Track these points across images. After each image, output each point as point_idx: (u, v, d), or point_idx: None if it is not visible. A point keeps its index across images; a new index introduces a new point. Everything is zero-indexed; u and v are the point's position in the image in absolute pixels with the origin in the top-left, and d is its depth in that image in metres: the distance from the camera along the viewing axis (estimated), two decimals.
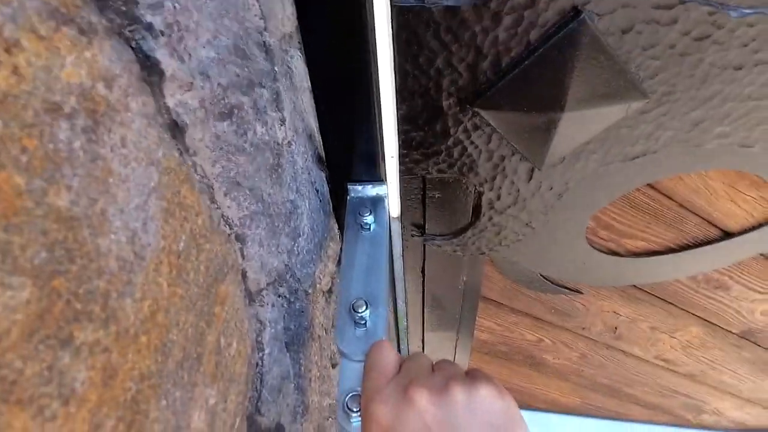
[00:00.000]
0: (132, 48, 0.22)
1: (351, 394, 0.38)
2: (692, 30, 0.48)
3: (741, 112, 0.56)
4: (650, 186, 0.68)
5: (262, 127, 0.39)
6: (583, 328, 0.97)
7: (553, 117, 0.54)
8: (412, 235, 0.73)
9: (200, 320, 0.26)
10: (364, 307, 0.47)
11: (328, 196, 0.65)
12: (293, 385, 0.43)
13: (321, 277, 0.59)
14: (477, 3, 0.46)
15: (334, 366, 0.66)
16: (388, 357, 0.35)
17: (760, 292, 0.88)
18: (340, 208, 0.66)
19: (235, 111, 0.34)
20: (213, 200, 0.31)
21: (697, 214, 0.72)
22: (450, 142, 0.59)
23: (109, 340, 0.19)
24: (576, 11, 0.46)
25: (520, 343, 1.03)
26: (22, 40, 0.16)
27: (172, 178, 0.24)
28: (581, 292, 0.86)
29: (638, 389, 1.22)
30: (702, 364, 1.08)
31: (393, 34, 0.50)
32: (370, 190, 0.65)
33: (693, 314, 0.94)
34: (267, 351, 0.37)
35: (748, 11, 0.47)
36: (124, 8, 0.22)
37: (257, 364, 0.36)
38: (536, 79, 0.50)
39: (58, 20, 0.17)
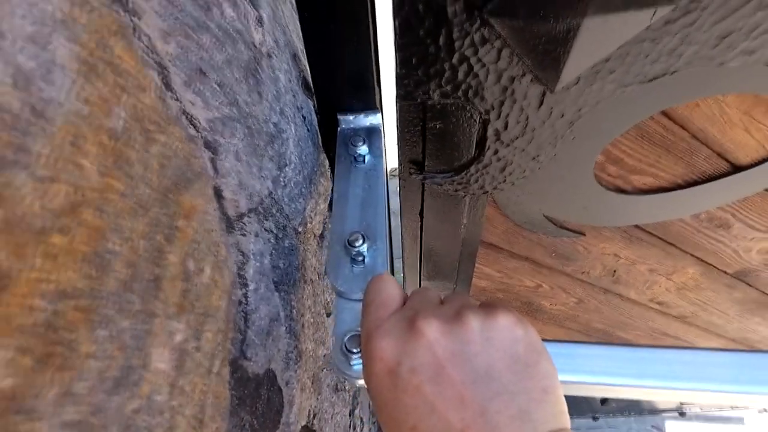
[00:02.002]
0: None
1: (350, 335, 0.32)
2: None
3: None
4: (665, 114, 0.61)
5: (233, 11, 0.30)
6: (583, 272, 0.93)
7: (573, 25, 0.46)
8: (410, 173, 0.65)
9: (156, 232, 0.19)
10: (361, 242, 0.41)
11: (317, 127, 0.57)
12: (284, 328, 0.36)
13: (312, 215, 0.51)
14: None
15: (328, 314, 0.60)
16: (391, 290, 0.29)
17: (759, 230, 0.84)
18: (329, 141, 0.58)
19: None
20: (169, 86, 0.23)
21: (708, 146, 0.66)
22: (455, 58, 0.50)
23: None
24: None
25: (519, 290, 0.99)
26: None
27: (94, 20, 0.16)
28: (583, 234, 0.81)
29: (630, 332, 1.21)
30: (694, 306, 1.06)
31: None
32: (363, 120, 0.57)
33: (691, 255, 0.90)
34: (252, 287, 0.30)
35: None
36: None
37: (240, 302, 0.29)
38: None
39: None
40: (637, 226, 0.83)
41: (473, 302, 0.29)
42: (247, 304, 0.29)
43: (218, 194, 0.27)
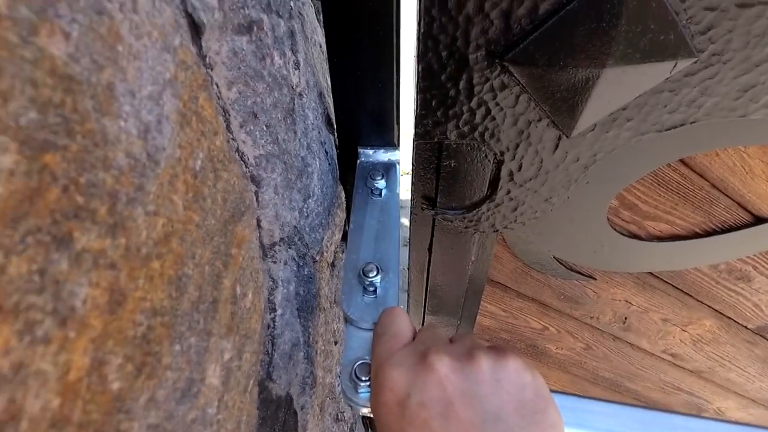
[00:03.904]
0: None
1: (360, 363, 0.34)
2: None
3: None
4: (683, 162, 0.65)
5: (280, 59, 0.35)
6: (591, 317, 0.95)
7: (592, 75, 0.51)
8: (422, 209, 0.69)
9: (217, 259, 0.22)
10: (375, 272, 0.44)
11: (337, 161, 0.62)
12: (303, 353, 0.39)
13: (328, 245, 0.55)
14: None
15: (336, 342, 0.62)
16: (403, 323, 0.32)
17: None
18: (346, 174, 0.63)
19: (255, 29, 0.30)
20: (228, 128, 0.27)
21: (728, 196, 0.70)
22: (474, 102, 0.55)
23: (116, 255, 0.15)
24: None
25: (524, 331, 1.01)
26: None
27: (189, 78, 0.20)
28: (594, 278, 0.84)
29: (640, 384, 1.22)
30: (711, 361, 1.08)
31: None
32: (382, 155, 0.61)
33: (709, 306, 0.93)
34: (279, 312, 0.33)
35: None
36: None
37: (269, 326, 0.32)
38: (577, 30, 0.47)
39: None
40: (650, 273, 0.86)
41: (483, 343, 0.32)
42: (274, 328, 0.32)
43: (259, 224, 0.31)
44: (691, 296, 0.91)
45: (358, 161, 0.59)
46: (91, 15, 0.14)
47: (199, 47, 0.23)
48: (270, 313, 0.32)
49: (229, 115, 0.27)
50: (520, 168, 0.63)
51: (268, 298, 0.33)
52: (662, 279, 0.87)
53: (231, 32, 0.27)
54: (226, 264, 0.24)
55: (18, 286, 0.11)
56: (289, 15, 0.39)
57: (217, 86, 0.26)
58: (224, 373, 0.23)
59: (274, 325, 0.33)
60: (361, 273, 0.44)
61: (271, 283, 0.33)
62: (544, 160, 0.62)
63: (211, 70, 0.25)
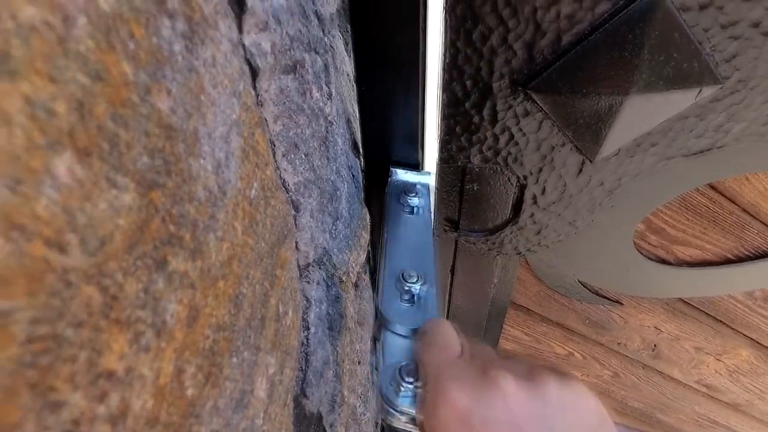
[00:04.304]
0: None
1: (405, 364, 0.34)
2: None
3: None
4: (711, 186, 0.66)
5: (318, 92, 0.38)
6: (619, 344, 0.95)
7: (615, 102, 0.53)
8: (445, 230, 0.71)
9: (265, 279, 0.25)
10: (415, 279, 0.45)
11: (362, 184, 0.65)
12: (332, 372, 0.41)
13: (353, 265, 0.57)
14: None
15: (359, 363, 0.64)
16: (452, 335, 0.32)
17: None
18: (375, 192, 0.66)
19: (298, 67, 0.33)
20: (274, 158, 0.30)
21: (761, 221, 0.71)
22: (497, 128, 0.58)
23: (195, 275, 0.18)
24: None
25: (548, 356, 1.00)
26: None
27: (249, 117, 0.23)
28: (621, 303, 0.85)
29: (672, 416, 1.19)
30: (749, 393, 1.05)
31: (446, 8, 0.49)
32: (413, 177, 0.64)
33: (745, 335, 0.92)
34: (312, 331, 0.36)
35: None
36: None
37: (303, 343, 0.34)
38: (600, 59, 0.50)
39: None
40: (681, 300, 0.86)
41: (538, 364, 0.31)
42: (308, 345, 0.35)
43: (297, 247, 0.34)
44: (725, 324, 0.90)
45: (391, 178, 0.62)
46: (185, 73, 0.17)
47: (255, 88, 0.26)
48: (304, 331, 0.35)
49: (275, 146, 0.30)
50: (543, 191, 0.65)
51: (303, 317, 0.35)
52: (693, 306, 0.87)
53: (279, 72, 0.30)
54: (272, 284, 0.26)
55: (131, 302, 0.14)
56: (324, 50, 0.43)
57: (266, 120, 0.29)
58: (269, 386, 0.25)
59: (308, 342, 0.35)
60: (401, 277, 0.45)
61: (305, 302, 0.36)
62: (568, 184, 0.64)
63: (262, 107, 0.28)
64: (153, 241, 0.15)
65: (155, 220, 0.15)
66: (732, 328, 0.90)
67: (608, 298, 0.85)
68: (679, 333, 0.92)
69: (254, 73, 0.26)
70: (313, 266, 0.39)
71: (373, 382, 0.95)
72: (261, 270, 0.24)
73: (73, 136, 0.12)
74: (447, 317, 0.92)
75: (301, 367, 0.33)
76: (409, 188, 0.58)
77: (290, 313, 0.30)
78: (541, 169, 0.62)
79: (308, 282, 0.37)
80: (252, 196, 0.24)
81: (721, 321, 0.89)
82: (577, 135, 0.58)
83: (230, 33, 0.22)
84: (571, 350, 1.00)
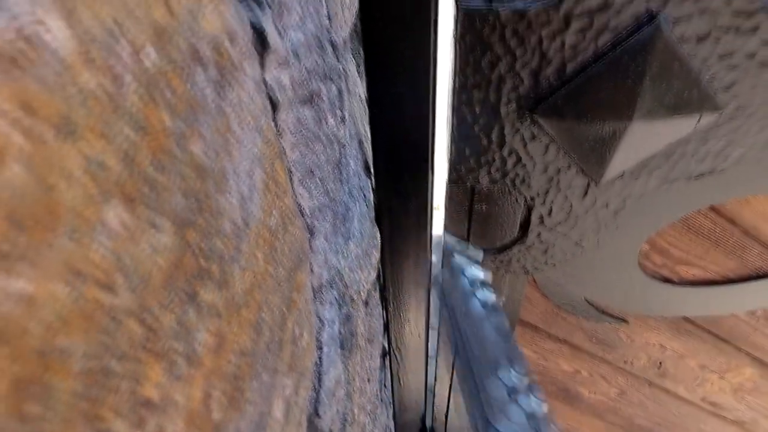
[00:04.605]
0: (253, 24, 0.23)
1: None
2: None
3: None
4: (713, 209, 0.67)
5: (333, 120, 0.39)
6: (625, 362, 0.94)
7: (618, 128, 0.54)
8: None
9: (283, 304, 0.26)
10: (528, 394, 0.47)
11: (374, 203, 0.65)
12: (344, 390, 0.42)
13: (364, 284, 0.58)
14: (546, 6, 0.47)
15: (368, 380, 0.64)
16: None
17: None
18: (382, 214, 0.66)
19: (314, 97, 0.34)
20: (293, 196, 0.31)
21: (761, 243, 0.71)
22: (505, 150, 0.58)
23: (221, 305, 0.18)
24: (650, 16, 0.47)
25: (555, 374, 1.00)
26: None
27: (270, 150, 0.24)
28: (626, 321, 0.84)
29: None
30: (753, 411, 1.04)
31: (456, 37, 0.51)
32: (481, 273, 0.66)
33: (748, 353, 0.91)
34: (325, 351, 0.36)
35: None
36: None
37: (316, 363, 0.35)
38: (603, 87, 0.51)
39: None
40: (685, 319, 0.85)
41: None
42: (321, 365, 0.35)
43: (311, 269, 0.34)
44: (728, 343, 0.89)
45: (453, 259, 0.63)
46: (215, 116, 0.18)
47: (275, 120, 0.27)
48: (317, 351, 0.35)
49: (292, 173, 0.31)
50: (550, 212, 0.65)
51: (316, 337, 0.36)
52: (698, 324, 0.86)
53: (297, 104, 0.31)
54: (289, 307, 0.27)
55: (166, 333, 0.15)
56: (338, 76, 0.44)
57: (284, 149, 0.30)
58: (285, 407, 0.26)
59: (321, 362, 0.36)
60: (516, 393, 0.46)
61: (318, 323, 0.36)
62: (574, 205, 0.65)
63: (281, 137, 0.29)
64: (185, 275, 0.16)
65: (188, 255, 0.16)
66: (736, 347, 0.89)
67: (614, 316, 0.84)
68: (684, 351, 0.91)
69: (274, 107, 0.27)
70: (326, 287, 0.40)
71: (381, 399, 0.95)
72: (279, 295, 0.25)
73: (120, 185, 0.13)
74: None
75: (314, 387, 0.34)
76: (481, 283, 0.60)
77: (305, 335, 0.30)
78: (547, 191, 0.63)
79: (321, 303, 0.38)
80: (272, 225, 0.25)
81: (725, 340, 0.88)
82: (582, 158, 0.59)
83: (254, 73, 0.23)
84: (577, 368, 0.99)
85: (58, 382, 0.11)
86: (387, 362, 1.00)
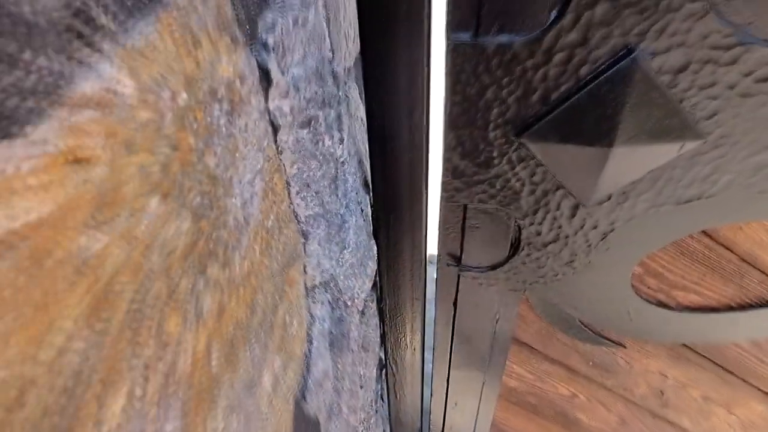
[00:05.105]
0: (256, 59, 0.30)
1: None
2: (754, 71, 0.53)
3: None
4: (706, 234, 0.72)
5: (329, 140, 0.47)
6: (625, 389, 0.98)
7: (602, 152, 0.60)
8: (447, 265, 0.78)
9: (275, 293, 0.33)
10: None
11: (371, 218, 0.73)
12: (331, 384, 0.48)
13: (359, 293, 0.65)
14: (523, 41, 0.54)
15: (361, 387, 0.70)
16: None
17: None
18: (379, 228, 0.73)
19: (312, 122, 0.42)
20: (289, 196, 0.38)
21: (761, 270, 0.75)
22: (493, 173, 0.65)
23: (223, 282, 0.25)
24: (628, 50, 0.53)
25: (552, 397, 1.03)
26: (202, 40, 0.24)
27: (270, 165, 0.32)
28: (624, 346, 0.88)
29: None
30: None
31: (447, 68, 0.58)
32: None
33: (755, 387, 0.93)
34: (315, 344, 0.43)
35: None
36: (250, 29, 0.30)
37: (306, 354, 0.41)
38: (585, 114, 0.57)
39: (221, 30, 0.25)
40: (685, 346, 0.89)
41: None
42: (310, 357, 0.42)
43: (304, 269, 0.41)
44: (732, 374, 0.92)
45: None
46: (226, 139, 0.25)
47: (277, 141, 0.35)
48: (308, 344, 0.42)
49: (290, 185, 0.38)
50: (539, 233, 0.71)
51: (307, 331, 0.42)
52: (699, 352, 0.90)
53: (296, 127, 0.38)
54: (281, 297, 0.34)
55: (182, 294, 0.22)
56: (338, 102, 0.52)
57: (284, 165, 0.37)
58: (273, 381, 0.32)
59: (310, 354, 0.42)
60: None
61: (309, 318, 0.43)
62: (563, 226, 0.70)
63: (281, 154, 0.36)
64: (198, 254, 0.23)
65: (201, 239, 0.23)
66: (740, 379, 0.92)
67: (611, 340, 0.89)
68: (686, 380, 0.95)
69: (276, 130, 0.34)
70: (319, 288, 0.46)
71: (377, 411, 1.00)
72: (272, 285, 0.32)
73: (159, 185, 0.20)
74: (450, 350, 0.97)
75: (303, 375, 0.40)
76: None
77: (295, 324, 0.37)
78: (536, 212, 0.69)
79: (314, 302, 0.44)
80: (269, 226, 0.32)
81: (728, 370, 0.91)
82: (569, 181, 0.65)
83: (259, 104, 0.30)
84: (575, 392, 1.03)
85: (114, 310, 0.18)
86: (384, 375, 1.05)
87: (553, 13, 0.53)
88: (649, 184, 0.65)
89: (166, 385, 0.20)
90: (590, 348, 0.92)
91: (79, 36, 0.16)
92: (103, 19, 0.17)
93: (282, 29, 0.33)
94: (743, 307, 0.81)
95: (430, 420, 1.21)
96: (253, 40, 0.31)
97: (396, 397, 1.09)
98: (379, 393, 1.03)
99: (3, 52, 0.13)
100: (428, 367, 1.00)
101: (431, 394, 1.13)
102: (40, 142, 0.14)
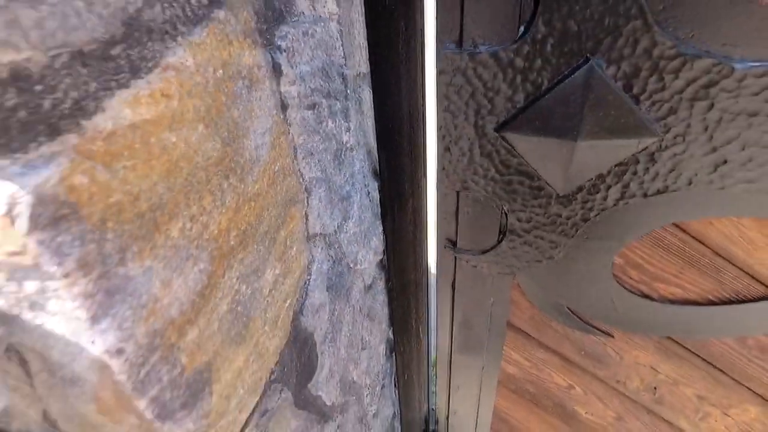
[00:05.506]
0: (270, 56, 0.47)
1: None
2: (699, 78, 0.65)
3: (764, 158, 0.70)
4: (679, 227, 0.81)
5: (332, 124, 0.63)
6: (618, 381, 1.05)
7: (569, 145, 0.73)
8: (445, 247, 0.91)
9: (278, 218, 0.48)
10: None
11: (378, 201, 0.87)
12: (327, 316, 0.62)
13: (362, 260, 0.79)
14: (496, 52, 0.68)
15: (363, 349, 0.84)
16: None
17: None
18: (386, 213, 0.88)
19: (316, 106, 0.58)
20: (295, 158, 0.54)
21: (735, 265, 0.83)
22: (477, 162, 0.79)
23: (240, 190, 0.41)
24: (585, 59, 0.66)
25: (549, 386, 1.12)
26: (234, 41, 0.40)
27: (277, 128, 0.48)
28: (612, 336, 0.97)
29: None
30: None
31: (437, 73, 0.73)
32: None
33: (748, 388, 0.99)
34: (312, 277, 0.58)
35: (754, 63, 0.63)
36: (268, 35, 0.47)
37: (305, 282, 0.56)
38: (552, 112, 0.70)
39: (246, 34, 0.42)
40: (672, 340, 0.97)
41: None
42: (308, 286, 0.57)
43: (306, 217, 0.57)
44: (723, 372, 0.98)
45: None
46: (246, 102, 0.41)
47: (285, 115, 0.51)
48: (307, 275, 0.57)
49: (297, 151, 0.54)
50: (520, 219, 0.83)
51: (307, 266, 0.57)
52: (686, 348, 0.97)
53: (302, 108, 0.55)
54: (283, 224, 0.49)
55: (213, 186, 0.37)
56: (345, 98, 0.68)
57: (293, 135, 0.53)
58: (273, 279, 0.47)
59: (308, 284, 0.57)
60: None
61: (310, 256, 0.58)
62: (541, 215, 0.82)
63: (290, 126, 0.52)
64: (224, 166, 0.39)
65: (226, 159, 0.39)
66: (732, 378, 0.98)
67: (598, 329, 0.98)
68: (677, 377, 1.02)
69: (285, 107, 0.50)
70: (319, 237, 0.62)
71: (384, 386, 1.13)
72: (276, 211, 0.47)
73: (203, 119, 0.36)
74: (451, 332, 1.08)
75: (301, 296, 0.55)
76: None
77: (294, 250, 0.52)
78: (515, 199, 0.82)
79: (314, 246, 0.60)
80: (275, 170, 0.47)
81: (719, 369, 0.98)
82: (544, 170, 0.77)
83: (271, 86, 0.46)
84: (571, 383, 1.11)
85: (177, 177, 0.33)
86: (394, 357, 1.18)
87: (521, 29, 0.67)
88: (617, 177, 0.77)
89: (201, 235, 0.36)
90: (581, 337, 1.01)
91: (168, 33, 0.33)
92: (180, 27, 0.34)
93: (293, 37, 0.50)
94: (723, 302, 0.88)
95: (435, 403, 1.32)
96: (270, 43, 0.47)
97: (404, 377, 1.21)
98: (389, 372, 1.16)
99: (140, 41, 0.30)
100: (433, 350, 1.12)
101: (436, 377, 1.24)
102: (148, 82, 0.31)
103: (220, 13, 0.37)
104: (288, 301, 0.51)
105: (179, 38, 0.33)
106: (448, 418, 1.38)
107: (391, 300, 1.04)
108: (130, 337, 0.31)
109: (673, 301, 0.91)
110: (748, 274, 0.84)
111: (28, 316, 0.29)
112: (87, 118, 0.26)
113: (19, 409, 0.45)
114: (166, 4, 0.32)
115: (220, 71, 0.37)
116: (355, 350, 0.80)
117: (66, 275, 0.26)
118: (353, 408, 0.87)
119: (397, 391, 1.28)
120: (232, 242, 0.40)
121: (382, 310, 1.00)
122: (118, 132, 0.28)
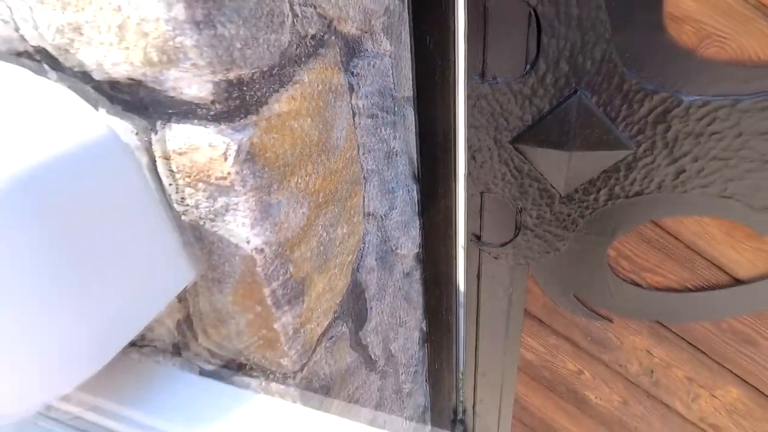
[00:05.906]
0: (347, 79, 0.67)
1: None
2: (658, 106, 0.82)
3: (712, 168, 0.85)
4: (657, 225, 0.96)
5: (385, 131, 0.82)
6: (620, 365, 1.17)
7: (565, 155, 0.89)
8: (471, 241, 1.07)
9: (348, 191, 0.67)
10: None
11: (417, 200, 1.05)
12: (375, 280, 0.79)
13: (402, 246, 0.96)
14: (510, 83, 0.86)
15: (401, 325, 1.00)
16: None
17: None
18: (425, 210, 1.05)
19: (374, 116, 0.77)
20: (359, 152, 0.73)
21: (704, 257, 0.96)
22: (496, 169, 0.96)
23: (327, 166, 0.60)
24: (575, 90, 0.84)
25: (563, 372, 1.24)
26: (328, 68, 0.60)
27: (350, 128, 0.68)
28: (611, 320, 1.10)
29: None
30: None
31: (465, 98, 0.92)
32: None
33: (728, 370, 1.09)
34: (366, 246, 0.76)
35: (695, 97, 0.80)
36: (346, 65, 0.66)
37: (361, 248, 0.74)
38: (551, 129, 0.87)
39: (335, 64, 0.62)
40: (661, 324, 1.09)
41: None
42: (363, 251, 0.74)
43: (364, 198, 0.75)
44: (706, 355, 1.09)
45: None
46: (332, 108, 0.61)
47: (354, 120, 0.70)
48: (362, 244, 0.74)
49: (360, 148, 0.73)
50: (531, 216, 0.99)
51: (363, 236, 0.75)
52: (673, 331, 1.08)
53: (365, 116, 0.74)
54: (350, 196, 0.67)
55: (312, 159, 0.56)
56: (394, 113, 0.88)
57: (358, 135, 0.73)
58: (342, 235, 0.65)
59: (363, 250, 0.74)
60: None
61: (365, 229, 0.76)
62: (548, 212, 0.98)
63: (356, 128, 0.72)
64: (320, 148, 0.57)
65: (321, 142, 0.58)
66: (713, 360, 1.08)
67: (599, 314, 1.11)
68: (669, 360, 1.12)
69: (354, 114, 0.70)
70: (372, 217, 0.80)
71: (416, 372, 1.26)
72: (346, 186, 0.65)
73: (311, 114, 0.55)
74: (477, 321, 1.22)
75: (359, 258, 0.72)
76: None
77: (356, 219, 0.70)
78: (526, 199, 0.98)
79: (368, 222, 0.78)
80: (347, 156, 0.66)
81: (702, 351, 1.08)
82: (548, 175, 0.94)
83: (348, 98, 0.66)
84: (581, 368, 1.22)
85: (296, 147, 0.52)
86: (426, 347, 1.33)
87: (528, 67, 0.85)
88: (604, 182, 0.92)
89: (306, 189, 0.54)
90: (586, 323, 1.14)
91: (297, 62, 0.52)
92: (303, 58, 0.54)
93: (361, 67, 0.70)
94: (698, 289, 1.00)
95: (463, 392, 1.44)
96: (347, 70, 0.67)
97: (435, 366, 1.35)
98: (422, 362, 1.30)
99: (287, 65, 0.50)
100: (462, 340, 1.26)
101: (464, 366, 1.37)
102: (287, 90, 0.50)
103: (322, 50, 0.57)
104: (350, 257, 0.68)
105: (303, 65, 0.52)
106: (474, 406, 1.49)
107: (425, 290, 1.19)
108: (268, 243, 0.49)
109: (658, 289, 1.04)
110: (714, 264, 0.97)
111: (212, 223, 0.47)
112: (261, 107, 0.45)
113: (157, 319, 0.63)
114: (298, 44, 0.51)
115: (320, 86, 0.57)
116: (395, 321, 0.96)
117: (245, 194, 0.44)
118: (391, 379, 1.02)
119: (427, 384, 1.41)
120: (320, 199, 0.58)
121: (417, 298, 1.15)
122: (272, 117, 0.47)
